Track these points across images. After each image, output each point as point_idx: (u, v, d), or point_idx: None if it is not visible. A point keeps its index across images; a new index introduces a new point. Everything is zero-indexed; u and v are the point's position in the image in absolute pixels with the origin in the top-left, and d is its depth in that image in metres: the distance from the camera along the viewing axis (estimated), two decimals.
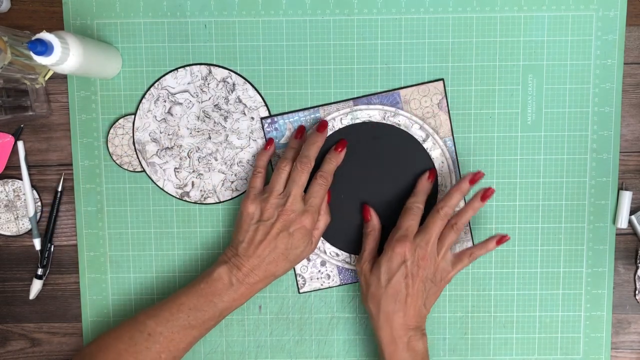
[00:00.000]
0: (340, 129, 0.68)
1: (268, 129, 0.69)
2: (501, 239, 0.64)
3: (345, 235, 0.69)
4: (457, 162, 0.69)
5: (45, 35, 0.55)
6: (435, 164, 0.69)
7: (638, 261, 0.70)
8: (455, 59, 0.68)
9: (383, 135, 0.68)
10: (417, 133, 0.68)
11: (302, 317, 0.71)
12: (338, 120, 0.68)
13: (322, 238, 0.69)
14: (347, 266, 0.70)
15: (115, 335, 0.63)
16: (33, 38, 0.54)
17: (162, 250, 0.71)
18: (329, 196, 0.66)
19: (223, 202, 0.70)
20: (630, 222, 0.70)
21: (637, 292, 0.70)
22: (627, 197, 0.69)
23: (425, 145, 0.68)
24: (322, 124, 0.66)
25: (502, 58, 0.68)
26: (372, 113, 0.68)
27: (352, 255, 0.70)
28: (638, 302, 0.71)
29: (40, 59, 0.55)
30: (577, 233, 0.70)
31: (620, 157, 0.70)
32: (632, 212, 0.70)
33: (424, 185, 0.67)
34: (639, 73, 0.69)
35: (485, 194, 0.63)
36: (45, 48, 0.54)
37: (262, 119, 0.69)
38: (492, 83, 0.69)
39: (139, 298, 0.71)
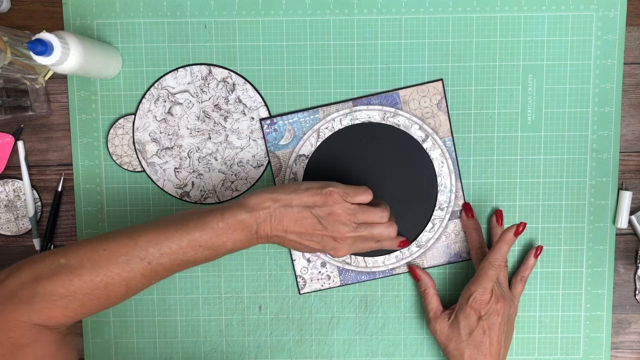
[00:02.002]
0: (339, 130, 0.68)
1: (267, 130, 0.69)
2: (537, 251, 0.68)
3: None
4: (457, 163, 0.69)
5: (45, 35, 0.55)
6: (435, 164, 0.69)
7: (638, 261, 0.70)
8: (455, 59, 0.68)
9: (383, 136, 0.68)
10: (417, 133, 0.68)
11: (302, 317, 0.71)
12: (338, 120, 0.68)
13: None
14: (347, 267, 0.70)
15: (107, 255, 0.55)
16: (33, 38, 0.54)
17: None
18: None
19: (223, 202, 0.70)
20: (630, 222, 0.70)
21: (637, 292, 0.70)
22: (627, 197, 0.69)
23: (424, 146, 0.69)
24: (402, 243, 0.66)
25: (502, 58, 0.68)
26: (371, 114, 0.68)
27: (352, 256, 0.70)
28: (638, 302, 0.71)
29: (40, 59, 0.55)
30: (577, 233, 0.70)
31: (620, 157, 0.70)
32: (632, 212, 0.70)
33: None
34: (639, 73, 0.69)
35: (518, 229, 0.64)
36: (45, 48, 0.54)
37: (261, 120, 0.69)
38: (492, 83, 0.69)
39: (139, 298, 0.71)
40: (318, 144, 0.69)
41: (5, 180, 0.70)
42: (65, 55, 0.56)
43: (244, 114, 0.69)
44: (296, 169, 0.69)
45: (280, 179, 0.69)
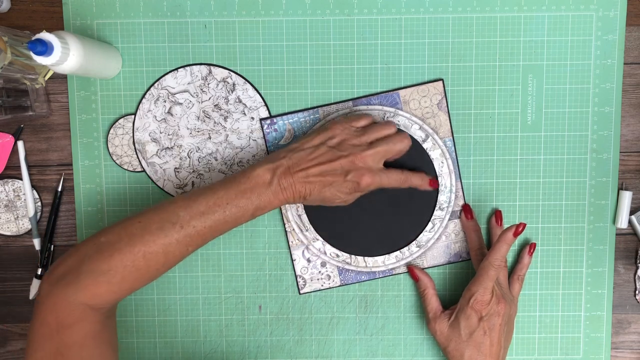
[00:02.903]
0: None
1: (267, 130, 0.69)
2: (531, 249, 0.68)
3: (346, 236, 0.69)
4: (457, 162, 0.69)
5: (45, 35, 0.55)
6: (435, 164, 0.69)
7: (638, 261, 0.70)
8: (455, 59, 0.68)
9: None
10: (417, 133, 0.68)
11: (302, 317, 0.71)
12: None
13: (322, 239, 0.69)
14: (347, 267, 0.70)
15: (141, 226, 0.58)
16: (33, 38, 0.54)
17: None
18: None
19: None
20: (630, 222, 0.70)
21: (637, 292, 0.70)
22: (627, 197, 0.69)
23: (425, 146, 0.68)
24: (432, 182, 0.67)
25: (502, 58, 0.68)
26: (371, 113, 0.68)
27: (352, 256, 0.70)
28: (638, 302, 0.71)
29: (40, 59, 0.55)
30: (577, 233, 0.70)
31: (620, 157, 0.70)
32: (632, 212, 0.70)
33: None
34: (639, 73, 0.69)
35: (517, 229, 0.64)
36: (45, 48, 0.54)
37: (261, 120, 0.69)
38: (492, 83, 0.69)
39: (139, 298, 0.71)
40: None
41: (5, 180, 0.70)
42: (65, 55, 0.56)
43: (244, 114, 0.69)
44: None
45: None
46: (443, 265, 0.70)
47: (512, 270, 0.68)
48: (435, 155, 0.69)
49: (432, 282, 0.69)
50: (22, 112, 0.67)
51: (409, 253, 0.70)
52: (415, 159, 0.69)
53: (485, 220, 0.70)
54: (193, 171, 0.70)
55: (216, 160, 0.70)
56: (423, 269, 0.70)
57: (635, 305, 0.71)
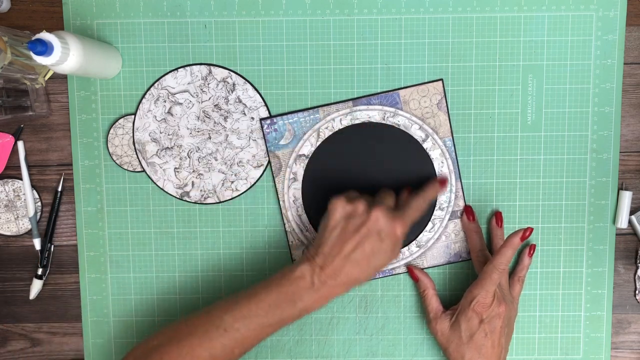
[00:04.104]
0: (340, 130, 0.68)
1: (267, 130, 0.69)
2: (530, 250, 0.68)
3: None
4: (457, 162, 0.69)
5: (45, 35, 0.55)
6: (435, 164, 0.69)
7: (638, 261, 0.70)
8: (455, 59, 0.68)
9: (383, 136, 0.68)
10: (417, 133, 0.68)
11: (302, 317, 0.71)
12: (337, 120, 0.68)
13: None
14: None
15: (188, 330, 0.59)
16: (33, 38, 0.54)
17: (162, 250, 0.71)
18: None
19: (223, 202, 0.70)
20: (630, 222, 0.70)
21: (637, 292, 0.70)
22: (627, 197, 0.69)
23: (425, 146, 0.69)
24: (443, 182, 0.67)
25: (502, 58, 0.68)
26: (371, 113, 0.68)
27: None
28: (638, 302, 0.71)
29: (40, 59, 0.55)
30: (577, 233, 0.70)
31: (620, 157, 0.70)
32: (632, 212, 0.70)
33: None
34: (639, 73, 0.69)
35: (525, 234, 0.64)
36: (45, 48, 0.54)
37: (261, 120, 0.69)
38: (492, 83, 0.69)
39: (139, 298, 0.71)
40: (318, 143, 0.69)
41: (5, 180, 0.70)
42: (65, 55, 0.56)
43: (244, 114, 0.69)
44: (296, 168, 0.69)
45: (280, 178, 0.69)
46: (443, 265, 0.70)
47: (513, 272, 0.68)
48: (435, 155, 0.69)
49: (432, 283, 0.68)
50: (22, 112, 0.67)
51: (409, 253, 0.70)
52: (416, 159, 0.69)
53: (485, 221, 0.70)
54: (193, 171, 0.70)
55: (216, 160, 0.70)
56: (423, 269, 0.70)
57: (635, 305, 0.71)
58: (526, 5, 0.68)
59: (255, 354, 0.71)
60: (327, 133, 0.68)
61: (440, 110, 0.69)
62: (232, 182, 0.70)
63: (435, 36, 0.68)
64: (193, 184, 0.70)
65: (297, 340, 0.71)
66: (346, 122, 0.68)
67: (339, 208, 0.61)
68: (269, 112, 0.69)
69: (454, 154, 0.69)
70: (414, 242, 0.69)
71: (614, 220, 0.69)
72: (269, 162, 0.69)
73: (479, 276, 0.64)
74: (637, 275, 0.70)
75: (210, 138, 0.69)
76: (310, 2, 0.68)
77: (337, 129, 0.68)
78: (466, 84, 0.69)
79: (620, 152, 0.69)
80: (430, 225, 0.69)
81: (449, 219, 0.69)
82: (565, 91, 0.69)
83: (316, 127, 0.69)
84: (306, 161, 0.69)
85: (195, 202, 0.70)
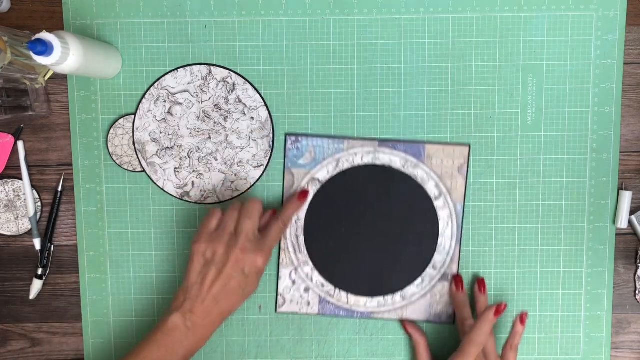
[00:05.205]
0: (359, 166, 0.68)
1: (290, 147, 0.69)
2: (522, 317, 0.68)
3: (337, 268, 0.69)
4: (462, 229, 0.69)
5: (45, 35, 0.55)
6: (440, 224, 0.69)
7: (638, 261, 0.70)
8: (455, 59, 0.68)
9: (398, 183, 0.68)
10: (432, 190, 0.68)
11: (302, 317, 0.71)
12: (359, 156, 0.68)
13: (312, 264, 0.69)
14: (328, 299, 0.69)
15: None
16: (33, 38, 0.54)
17: (162, 250, 0.71)
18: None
19: (223, 202, 0.70)
20: (630, 222, 0.70)
21: (637, 292, 0.70)
22: (627, 197, 0.69)
23: (435, 203, 0.69)
24: (302, 193, 0.68)
25: (502, 58, 0.68)
26: (394, 159, 0.68)
27: (337, 290, 0.69)
28: (638, 302, 0.71)
29: (40, 59, 0.55)
30: (577, 233, 0.70)
31: (620, 157, 0.70)
32: (632, 212, 0.70)
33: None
34: (639, 73, 0.69)
35: (498, 309, 0.65)
36: (45, 48, 0.54)
37: (286, 135, 0.69)
38: (492, 83, 0.69)
39: (139, 298, 0.71)
40: (335, 172, 0.69)
41: (5, 180, 0.70)
42: (65, 55, 0.56)
43: (244, 114, 0.69)
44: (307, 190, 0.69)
45: (287, 197, 0.69)
46: (421, 321, 0.70)
47: (506, 340, 0.68)
48: (443, 215, 0.69)
49: (424, 338, 0.69)
50: (22, 112, 0.67)
51: (392, 302, 0.70)
52: (423, 213, 0.69)
53: (483, 219, 0.70)
54: (193, 171, 0.70)
55: (216, 160, 0.70)
56: (413, 322, 0.70)
57: (635, 305, 0.71)
58: (526, 5, 0.68)
59: (255, 354, 0.71)
60: (347, 165, 0.68)
61: (460, 174, 0.68)
62: (232, 182, 0.70)
63: (435, 36, 0.68)
64: (193, 184, 0.70)
65: (297, 340, 0.71)
66: (367, 159, 0.68)
67: (199, 254, 0.62)
68: (269, 112, 0.69)
69: (461, 219, 0.69)
70: (399, 293, 0.69)
71: (614, 220, 0.70)
72: (284, 178, 0.69)
73: (459, 348, 0.64)
74: (637, 275, 0.70)
75: (210, 138, 0.69)
76: (310, 2, 0.68)
77: (356, 164, 0.68)
78: (466, 84, 0.69)
79: (620, 152, 0.69)
80: (419, 280, 0.69)
81: (439, 280, 0.69)
82: (565, 91, 0.69)
83: (337, 157, 0.68)
84: (319, 186, 0.69)
85: (195, 202, 0.70)
